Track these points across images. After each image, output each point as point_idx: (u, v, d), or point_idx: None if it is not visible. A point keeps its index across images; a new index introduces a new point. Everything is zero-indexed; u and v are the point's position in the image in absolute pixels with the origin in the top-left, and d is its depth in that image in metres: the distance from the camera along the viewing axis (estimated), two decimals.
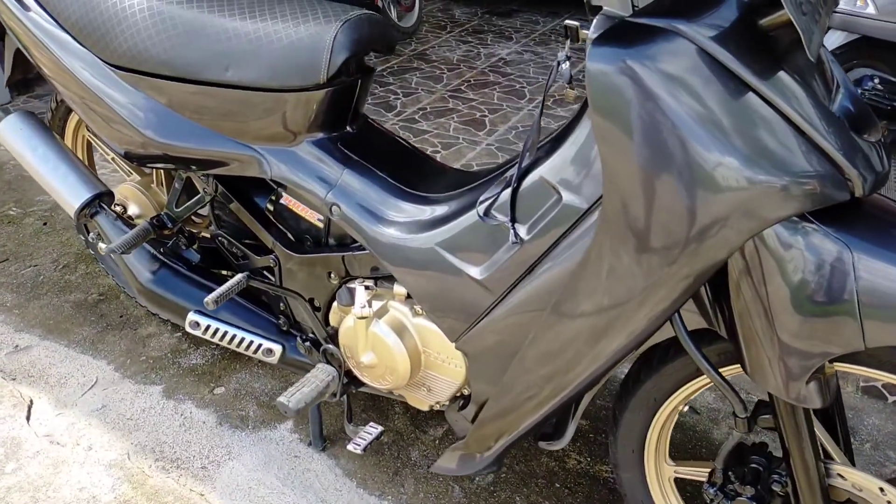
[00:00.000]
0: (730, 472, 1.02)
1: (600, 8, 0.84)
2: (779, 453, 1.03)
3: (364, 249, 1.18)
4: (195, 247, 1.47)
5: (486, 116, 3.25)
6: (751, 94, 0.72)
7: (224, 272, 1.54)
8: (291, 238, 1.30)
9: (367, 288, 1.18)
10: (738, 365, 0.99)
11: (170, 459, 1.56)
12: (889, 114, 2.72)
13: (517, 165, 0.97)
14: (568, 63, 0.87)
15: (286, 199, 1.28)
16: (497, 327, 1.03)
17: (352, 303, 1.21)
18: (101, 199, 1.50)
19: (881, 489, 0.95)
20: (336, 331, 1.27)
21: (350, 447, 1.21)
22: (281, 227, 1.31)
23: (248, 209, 1.31)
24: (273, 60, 1.11)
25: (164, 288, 1.43)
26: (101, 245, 1.57)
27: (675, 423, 1.17)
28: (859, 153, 0.75)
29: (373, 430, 1.21)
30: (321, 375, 1.22)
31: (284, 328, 1.39)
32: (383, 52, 1.19)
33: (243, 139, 1.21)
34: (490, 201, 1.00)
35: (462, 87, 3.58)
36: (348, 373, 1.28)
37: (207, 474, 1.53)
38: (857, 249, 0.77)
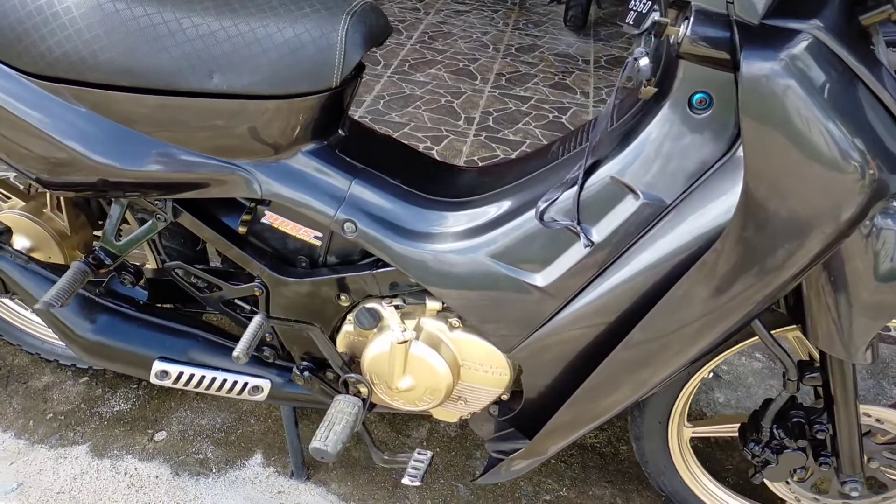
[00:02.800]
0: (776, 428, 1.10)
1: (685, 4, 0.81)
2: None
3: (385, 266, 1.07)
4: (142, 283, 1.23)
5: None
6: (867, 91, 0.75)
7: (170, 305, 1.31)
8: (277, 261, 1.14)
9: (396, 307, 1.08)
10: (779, 329, 1.07)
11: None
12: None
13: (580, 166, 0.92)
14: (647, 59, 0.84)
15: (270, 218, 1.11)
16: (563, 332, 1.00)
17: (374, 326, 1.10)
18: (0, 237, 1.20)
19: None
20: (351, 357, 1.15)
21: (406, 481, 1.11)
22: (264, 249, 1.14)
23: (219, 234, 1.11)
24: (273, 63, 0.93)
25: (116, 337, 1.18)
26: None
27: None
28: None
29: (422, 456, 1.12)
30: (347, 409, 1.10)
31: (270, 360, 1.23)
32: (377, 45, 1.06)
33: (224, 155, 1.02)
34: (549, 204, 0.95)
35: None
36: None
37: None
38: None
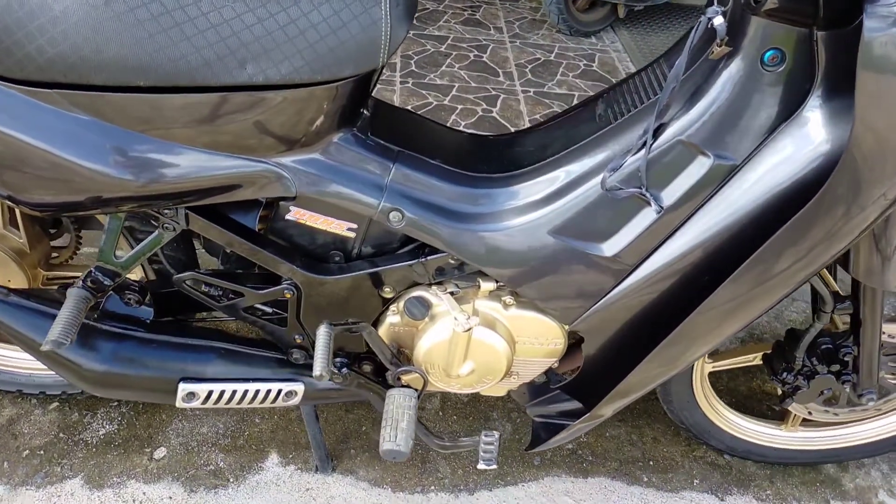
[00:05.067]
0: (808, 357, 1.18)
1: None
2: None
3: (434, 252, 1.01)
4: (147, 300, 1.09)
5: None
6: None
7: (172, 318, 1.18)
8: (309, 259, 1.05)
9: (451, 294, 1.03)
10: None
11: None
12: None
13: (647, 131, 0.90)
14: (722, 17, 0.82)
15: (296, 214, 1.01)
16: (629, 299, 0.99)
17: (425, 315, 1.05)
18: None
19: None
20: (398, 349, 1.10)
21: (482, 466, 1.09)
22: (290, 248, 1.04)
23: (240, 237, 1.00)
24: (313, 46, 0.82)
25: (131, 365, 1.04)
26: None
27: None
28: None
29: (490, 437, 1.10)
30: (405, 402, 1.05)
31: (301, 362, 1.15)
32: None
33: (253, 153, 0.90)
34: (614, 173, 0.92)
35: None
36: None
37: None
38: None
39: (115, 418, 1.44)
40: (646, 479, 1.45)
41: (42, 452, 1.37)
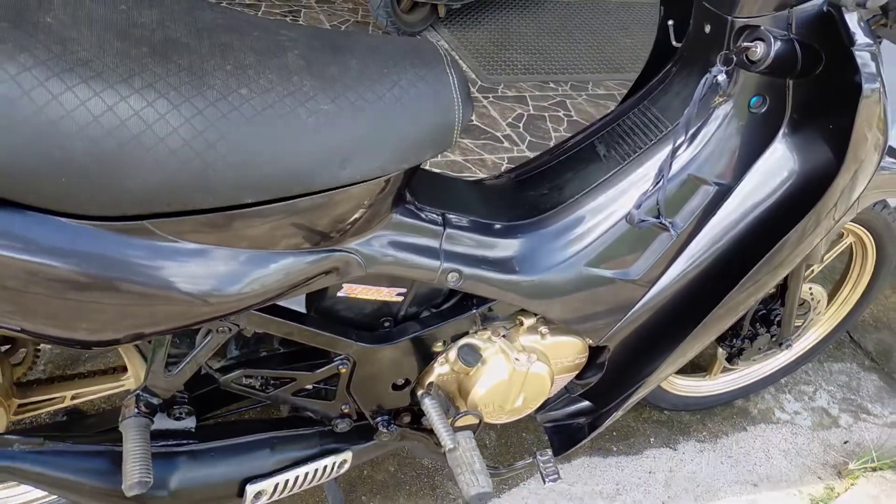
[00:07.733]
0: (752, 323, 1.44)
1: (754, 27, 0.96)
2: None
3: (485, 302, 1.08)
4: (190, 409, 1.00)
5: None
6: None
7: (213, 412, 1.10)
8: (362, 331, 1.05)
9: (504, 336, 1.10)
10: None
11: None
12: None
13: (662, 169, 1.04)
14: (725, 75, 0.97)
15: (348, 290, 1.01)
16: (649, 310, 1.14)
17: (478, 361, 1.11)
18: None
19: (809, 288, 1.51)
20: (447, 395, 1.14)
21: (549, 483, 1.16)
22: (341, 323, 1.04)
23: (300, 324, 0.98)
24: (402, 136, 0.82)
25: (193, 482, 0.95)
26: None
27: None
28: None
29: (545, 455, 1.18)
30: (468, 445, 1.10)
31: (347, 429, 1.14)
32: None
33: (335, 244, 0.88)
34: (638, 209, 1.06)
35: None
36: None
37: None
38: None
39: None
40: (615, 449, 1.66)
41: None
